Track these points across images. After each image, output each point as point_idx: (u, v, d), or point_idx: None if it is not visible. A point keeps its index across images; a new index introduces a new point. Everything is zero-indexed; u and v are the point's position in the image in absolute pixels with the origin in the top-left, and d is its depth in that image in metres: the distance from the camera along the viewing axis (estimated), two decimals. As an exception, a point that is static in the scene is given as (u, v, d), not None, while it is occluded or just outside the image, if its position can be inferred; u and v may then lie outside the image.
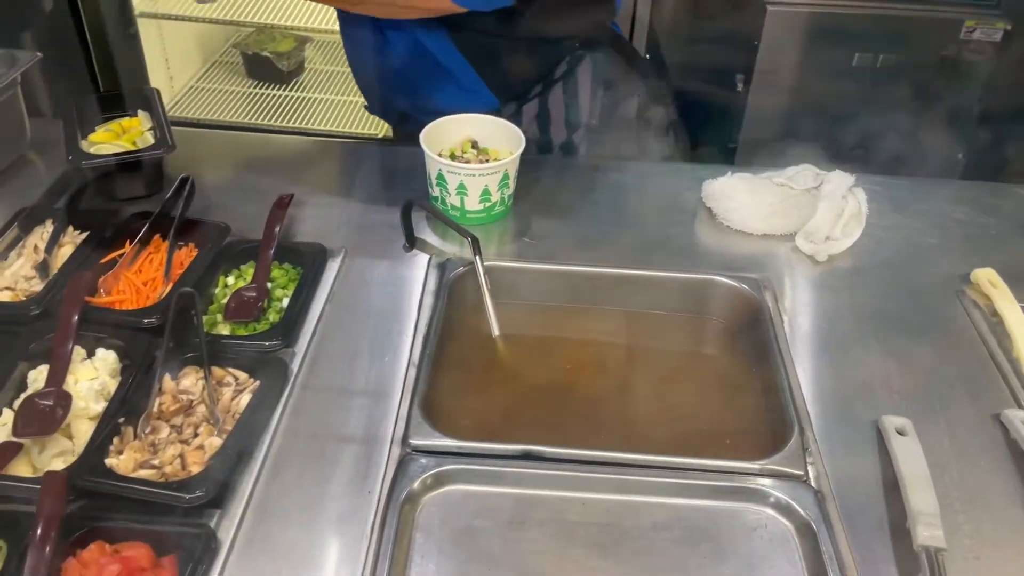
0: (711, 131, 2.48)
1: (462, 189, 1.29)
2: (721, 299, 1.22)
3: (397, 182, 1.45)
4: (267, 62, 3.11)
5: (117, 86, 2.72)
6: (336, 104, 3.07)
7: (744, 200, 1.33)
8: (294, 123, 2.94)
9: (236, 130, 2.85)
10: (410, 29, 1.41)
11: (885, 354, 1.13)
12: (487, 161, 1.34)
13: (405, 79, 1.49)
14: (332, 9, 3.06)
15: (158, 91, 1.39)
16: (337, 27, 3.04)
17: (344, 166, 1.56)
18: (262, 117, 2.97)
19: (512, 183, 1.33)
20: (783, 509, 0.92)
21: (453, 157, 1.34)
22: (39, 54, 1.38)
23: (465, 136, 1.38)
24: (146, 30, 2.82)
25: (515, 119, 1.41)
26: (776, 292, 1.22)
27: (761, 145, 2.32)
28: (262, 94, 3.10)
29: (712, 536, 0.90)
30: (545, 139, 1.53)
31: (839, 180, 1.32)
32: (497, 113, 1.41)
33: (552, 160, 1.54)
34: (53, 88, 1.99)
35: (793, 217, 1.32)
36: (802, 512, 0.90)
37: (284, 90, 3.13)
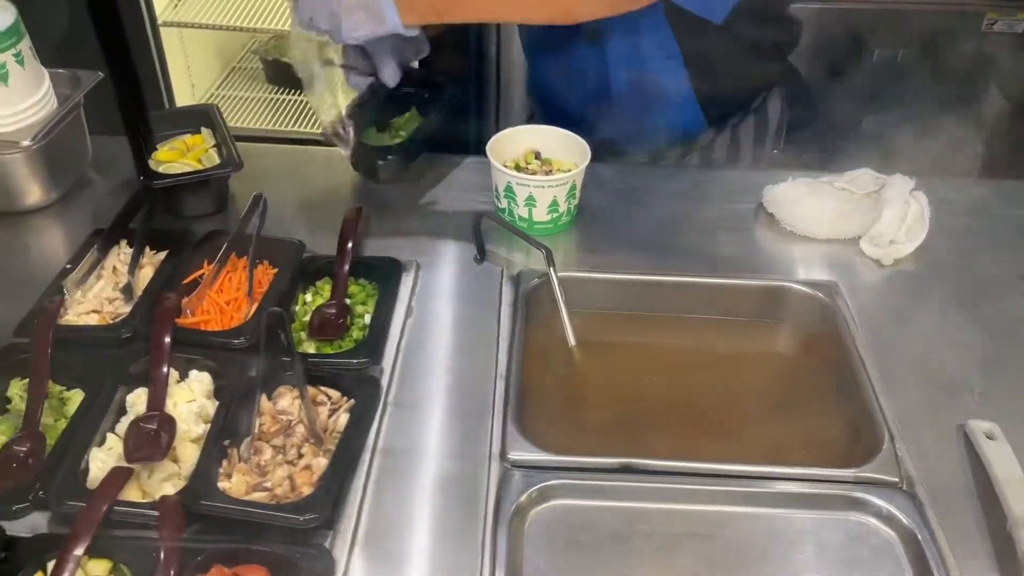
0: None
1: (531, 200, 1.30)
2: (794, 305, 1.23)
3: (457, 193, 1.46)
4: (287, 68, 3.10)
5: (139, 97, 2.72)
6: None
7: (808, 205, 1.34)
8: (317, 129, 2.94)
9: (263, 139, 2.85)
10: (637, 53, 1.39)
11: (963, 357, 1.14)
12: (550, 172, 1.35)
13: (621, 105, 1.48)
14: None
15: (218, 107, 1.39)
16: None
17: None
18: (285, 123, 2.98)
19: (578, 194, 1.34)
20: (884, 517, 0.93)
21: (517, 168, 1.34)
22: (100, 73, 1.39)
23: (527, 147, 1.39)
24: (168, 39, 2.82)
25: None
26: (846, 297, 1.23)
27: (783, 145, 2.33)
28: (283, 100, 3.10)
29: (816, 545, 0.92)
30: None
31: (900, 183, 1.34)
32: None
33: (605, 169, 1.55)
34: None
35: (856, 221, 1.34)
36: (904, 520, 0.92)
37: (304, 95, 3.13)
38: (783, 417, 1.11)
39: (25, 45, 1.24)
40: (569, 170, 1.34)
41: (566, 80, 1.53)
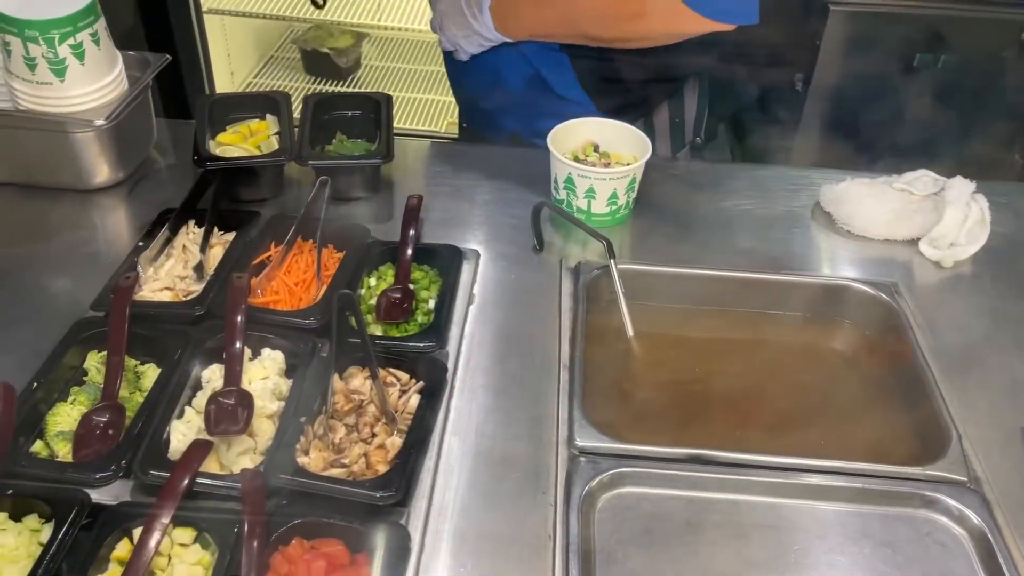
0: (766, 131, 2.49)
1: (591, 192, 1.31)
2: (855, 303, 1.24)
3: (510, 183, 1.47)
4: (326, 58, 3.13)
5: (181, 83, 2.75)
6: (397, 101, 3.08)
7: (866, 205, 1.35)
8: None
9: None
10: (530, 56, 1.44)
11: (1025, 360, 1.14)
12: (609, 165, 1.36)
13: (519, 105, 1.53)
14: (391, 6, 3.09)
15: (288, 95, 1.41)
16: (394, 23, 3.06)
17: (451, 166, 1.58)
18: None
19: (636, 187, 1.35)
20: (953, 515, 0.94)
21: (576, 160, 1.35)
22: (168, 56, 1.40)
23: (586, 139, 1.40)
24: (210, 26, 2.84)
25: None
26: (907, 297, 1.24)
27: (818, 146, 2.33)
28: (322, 91, 3.12)
29: (886, 542, 0.92)
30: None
31: (961, 186, 1.34)
32: None
33: (666, 164, 1.56)
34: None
35: (915, 222, 1.34)
36: (973, 518, 0.92)
37: (341, 86, 3.15)
38: (847, 413, 1.11)
39: (101, 25, 1.26)
40: (628, 163, 1.35)
41: (481, 80, 1.60)
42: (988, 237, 1.32)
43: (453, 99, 2.99)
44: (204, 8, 2.77)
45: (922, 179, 1.37)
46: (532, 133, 1.47)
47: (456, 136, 2.62)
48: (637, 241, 1.36)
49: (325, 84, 3.14)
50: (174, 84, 2.70)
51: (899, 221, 1.34)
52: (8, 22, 1.19)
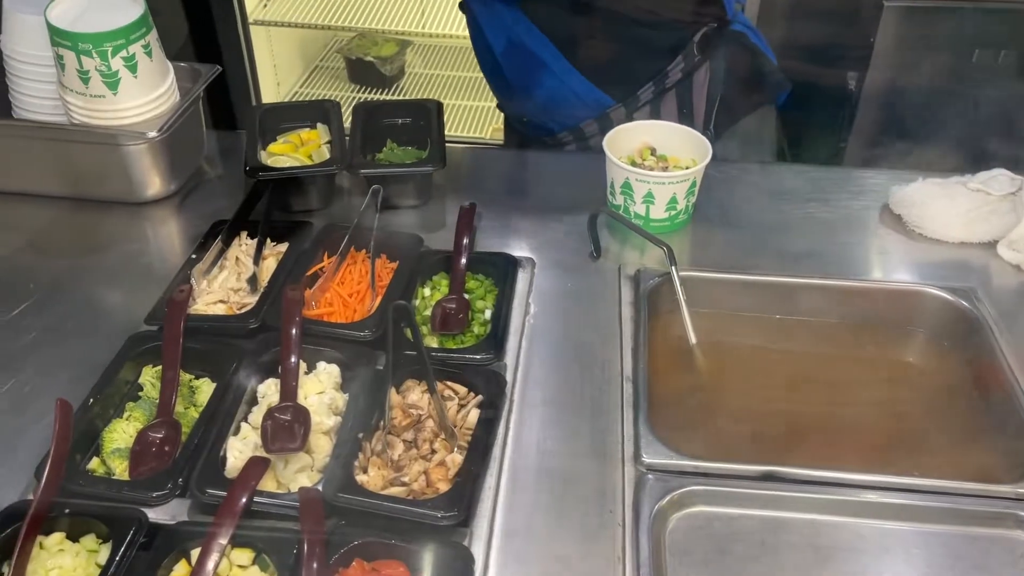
0: (820, 130, 2.42)
1: (649, 197, 1.27)
2: (930, 310, 1.18)
3: (564, 188, 1.43)
4: (371, 67, 3.13)
5: (227, 94, 2.77)
6: (442, 108, 3.07)
7: (940, 207, 1.29)
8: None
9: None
10: (499, 14, 1.40)
11: (1120, 370, 1.07)
12: (666, 168, 1.32)
13: (510, 79, 1.50)
14: (434, 12, 3.08)
15: (338, 104, 1.39)
16: (437, 30, 3.05)
17: (500, 172, 1.55)
18: (370, 122, 2.98)
19: (696, 191, 1.30)
20: (1051, 536, 0.87)
21: (632, 164, 1.31)
22: (218, 67, 1.40)
23: (643, 143, 1.36)
24: (256, 37, 2.86)
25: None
26: (986, 303, 1.17)
27: (872, 146, 2.25)
28: (366, 99, 3.11)
29: (979, 565, 0.87)
30: None
31: (1041, 186, 1.27)
32: (607, 116, 1.39)
33: (717, 167, 1.51)
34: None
35: (993, 224, 1.27)
36: (1074, 540, 0.86)
37: (386, 94, 3.15)
38: (928, 428, 1.06)
39: (153, 37, 1.26)
40: (687, 167, 1.31)
41: (484, 51, 1.56)
42: (1070, 239, 1.25)
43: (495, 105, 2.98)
44: (250, 19, 2.79)
45: (998, 178, 1.31)
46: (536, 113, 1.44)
47: (502, 142, 2.60)
48: (696, 247, 1.31)
49: (370, 92, 3.14)
50: (221, 95, 2.72)
51: (975, 223, 1.28)
52: (62, 36, 1.19)
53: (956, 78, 2.25)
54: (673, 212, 1.29)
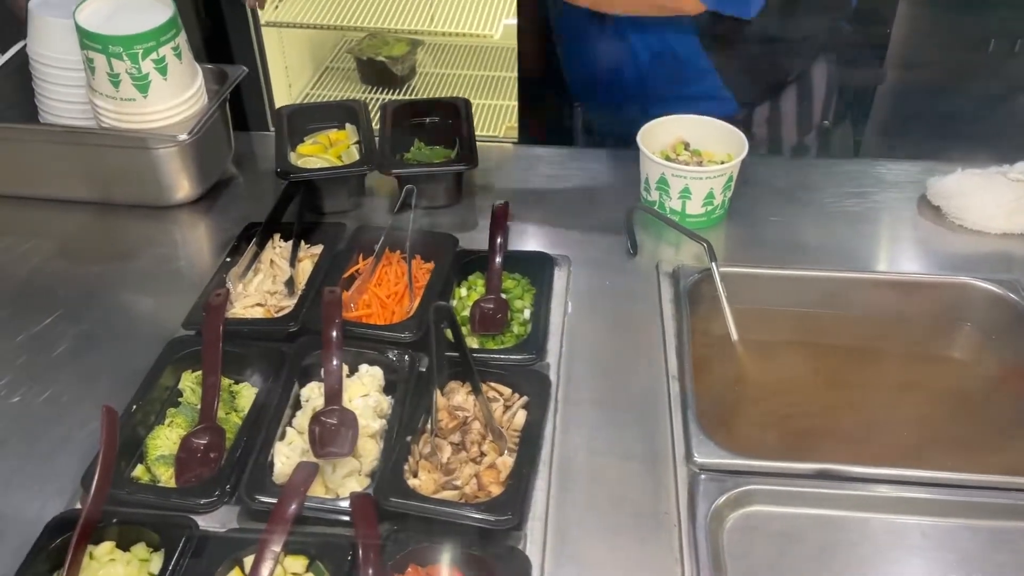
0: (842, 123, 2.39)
1: (686, 193, 1.26)
2: (976, 303, 1.16)
3: (596, 185, 1.42)
4: (382, 67, 3.11)
5: (239, 97, 2.75)
6: (454, 107, 3.05)
7: (981, 198, 1.27)
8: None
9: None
10: (659, 32, 1.37)
11: None
12: (701, 163, 1.30)
13: (644, 85, 1.46)
14: (444, 11, 3.06)
15: (365, 103, 1.38)
16: (449, 29, 3.02)
17: (529, 169, 1.53)
18: (383, 123, 2.97)
19: (733, 186, 1.29)
20: (1118, 531, 0.86)
21: (667, 159, 1.30)
22: (244, 68, 1.38)
23: (676, 137, 1.34)
24: (268, 39, 2.84)
25: (745, 122, 1.37)
26: (1032, 295, 1.15)
27: (893, 136, 2.23)
28: (378, 99, 3.10)
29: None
30: (776, 141, 1.48)
31: (1082, 175, 1.25)
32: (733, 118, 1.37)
33: (754, 161, 1.49)
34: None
35: (1035, 215, 1.25)
36: None
37: (397, 94, 3.13)
38: (978, 421, 1.04)
39: (182, 39, 1.25)
40: (722, 161, 1.29)
41: (602, 72, 1.52)
42: (1115, 227, 1.24)
43: (511, 103, 2.95)
44: (262, 21, 2.77)
45: (1039, 168, 1.29)
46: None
47: (516, 140, 2.58)
48: (734, 242, 1.29)
49: (381, 93, 3.12)
50: (234, 98, 2.70)
51: (1017, 213, 1.26)
52: (92, 39, 1.18)
53: (972, 68, 2.24)
54: (710, 207, 1.27)
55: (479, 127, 2.98)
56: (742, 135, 1.28)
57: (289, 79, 3.09)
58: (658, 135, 1.32)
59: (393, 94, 3.12)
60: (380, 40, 3.15)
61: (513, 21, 2.45)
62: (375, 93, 3.13)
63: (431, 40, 3.25)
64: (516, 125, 2.71)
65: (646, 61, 1.42)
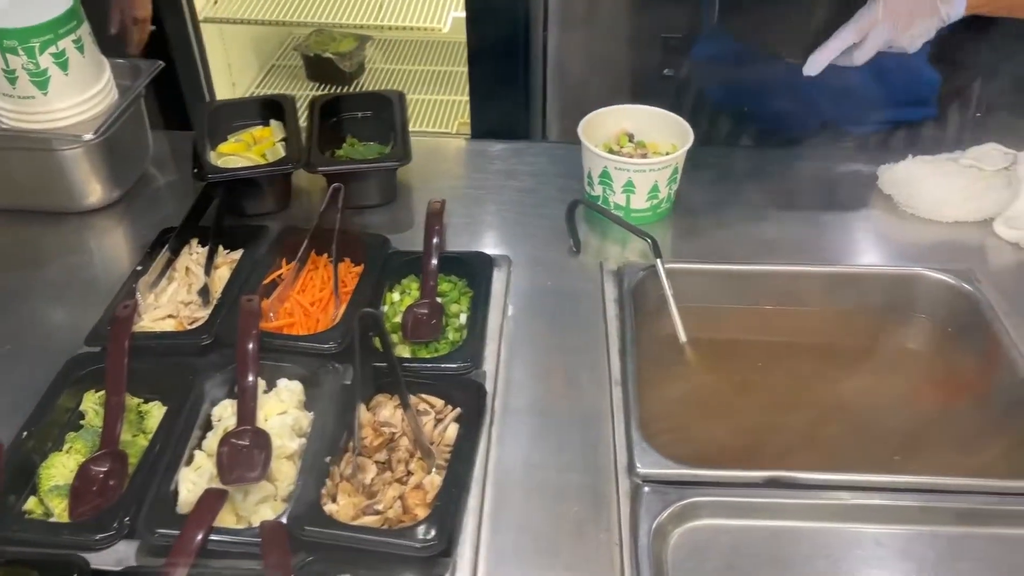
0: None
1: (629, 186, 1.20)
2: (929, 294, 1.11)
3: (539, 181, 1.35)
4: (329, 63, 3.02)
5: (180, 95, 2.65)
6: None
7: (933, 185, 1.23)
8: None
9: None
10: None
11: None
12: (646, 155, 1.24)
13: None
14: (393, 5, 2.97)
15: (293, 99, 1.30)
16: (397, 23, 2.94)
17: (470, 166, 1.46)
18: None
19: (679, 178, 1.23)
20: (1082, 535, 0.81)
21: (610, 152, 1.24)
22: (160, 62, 1.30)
23: (619, 129, 1.28)
24: (208, 36, 2.74)
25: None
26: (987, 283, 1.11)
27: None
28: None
29: (1007, 568, 0.80)
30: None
31: (1036, 159, 1.21)
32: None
33: (696, 152, 1.44)
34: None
35: (988, 201, 1.22)
36: (1105, 537, 0.80)
37: (347, 91, 3.04)
38: (934, 419, 0.99)
39: (85, 31, 1.16)
40: (667, 152, 1.23)
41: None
42: (1070, 213, 1.20)
43: (463, 99, 2.88)
44: (200, 16, 2.67)
45: (991, 153, 1.25)
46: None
47: (469, 136, 2.51)
48: (681, 237, 1.24)
49: (330, 90, 3.03)
50: (174, 97, 2.60)
51: (970, 200, 1.22)
52: (-17, 32, 1.09)
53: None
54: (655, 201, 1.22)
55: (431, 123, 2.92)
56: (686, 124, 1.22)
57: (232, 77, 2.98)
58: (601, 127, 1.26)
59: (343, 91, 3.03)
60: (327, 36, 3.06)
61: (462, 14, 2.37)
62: (323, 90, 3.03)
63: (379, 35, 3.16)
64: (469, 120, 2.64)
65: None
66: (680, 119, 1.24)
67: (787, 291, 1.14)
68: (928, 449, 0.94)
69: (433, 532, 0.77)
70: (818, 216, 1.26)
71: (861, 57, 1.12)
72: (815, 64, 1.12)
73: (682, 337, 1.09)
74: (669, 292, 1.09)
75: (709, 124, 1.49)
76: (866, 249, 1.21)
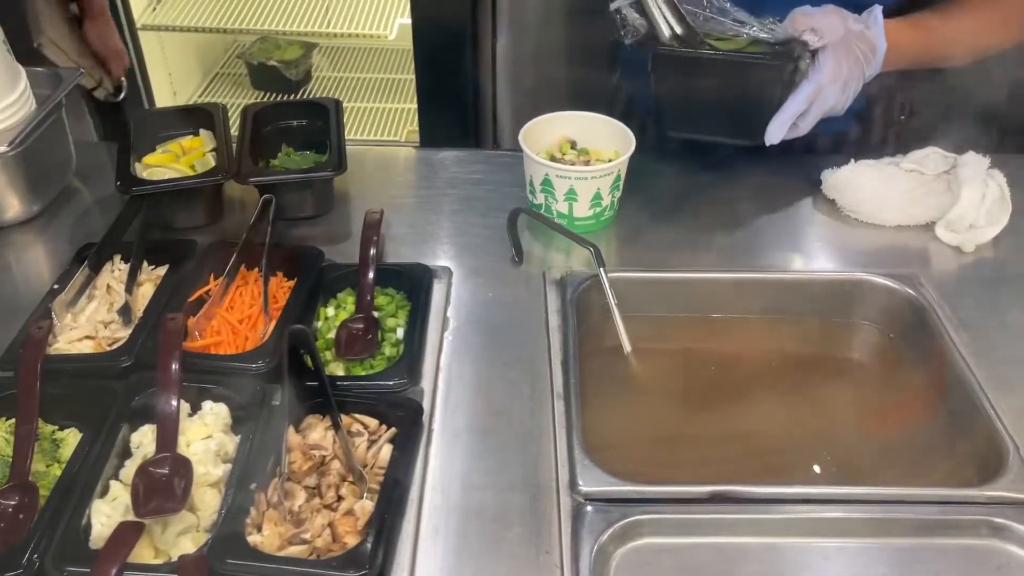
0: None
1: (571, 195, 1.17)
2: (873, 300, 1.11)
3: (478, 189, 1.32)
4: (275, 71, 2.96)
5: (119, 106, 2.57)
6: (352, 111, 2.93)
7: (875, 190, 1.22)
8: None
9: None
10: None
11: (1073, 352, 1.02)
12: (588, 162, 1.22)
13: None
14: (338, 10, 2.92)
15: (224, 107, 1.25)
16: (346, 30, 2.89)
17: (414, 175, 1.43)
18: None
19: (621, 185, 1.21)
20: (1025, 543, 0.80)
21: (552, 159, 1.21)
22: (82, 70, 1.24)
23: (561, 136, 1.26)
24: (146, 44, 2.67)
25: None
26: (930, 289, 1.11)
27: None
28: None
29: (955, 579, 0.79)
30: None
31: (975, 162, 1.21)
32: None
33: (639, 159, 1.42)
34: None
35: (930, 205, 1.21)
36: (1049, 544, 0.79)
37: (294, 100, 2.98)
38: (882, 428, 0.98)
39: (-3, 38, 1.10)
40: (609, 159, 1.21)
41: None
42: (1012, 216, 1.20)
43: (412, 107, 2.84)
44: (138, 24, 2.59)
45: (931, 157, 1.25)
46: None
47: (418, 144, 2.47)
48: (625, 245, 1.22)
49: (276, 98, 2.97)
50: (112, 108, 2.52)
51: (911, 205, 1.21)
52: None
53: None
54: (598, 209, 1.19)
55: (380, 131, 2.87)
56: (628, 131, 1.20)
57: (174, 86, 2.91)
58: (543, 134, 1.24)
59: (290, 99, 2.97)
60: (272, 43, 3.00)
61: (408, 20, 2.33)
62: (269, 99, 2.97)
63: (326, 42, 3.11)
64: (417, 129, 2.61)
65: None
66: (623, 126, 1.22)
67: (732, 298, 1.13)
68: (874, 459, 0.93)
69: (363, 562, 0.73)
70: (762, 222, 1.25)
71: (806, 126, 1.16)
72: (774, 134, 1.15)
73: (627, 347, 1.06)
74: (613, 301, 1.07)
75: (657, 132, 1.48)
76: (810, 255, 1.20)
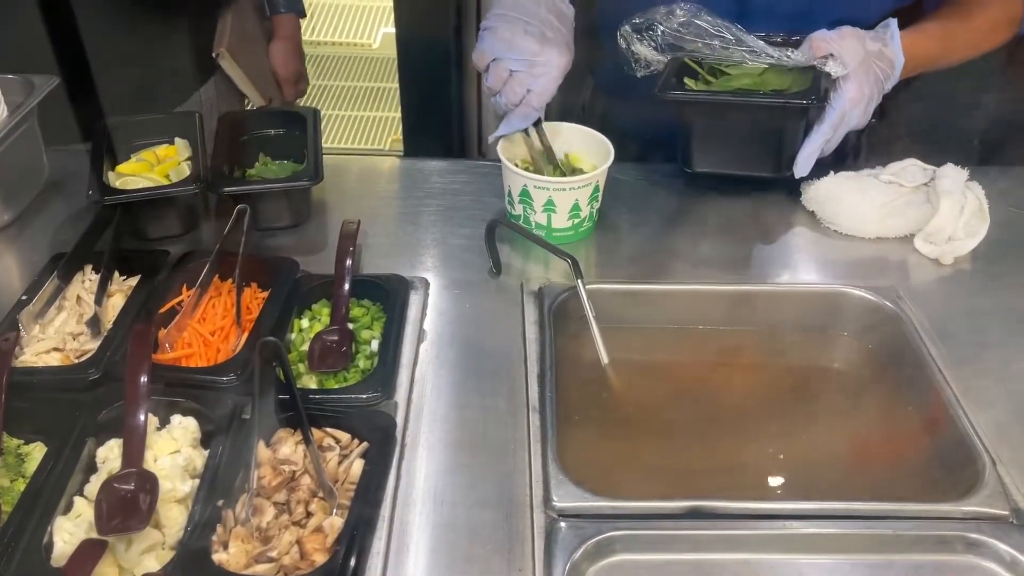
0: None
1: (550, 206, 1.16)
2: (852, 312, 1.10)
3: (457, 200, 1.31)
4: (258, 78, 2.94)
5: (100, 113, 2.55)
6: (336, 119, 2.92)
7: (854, 202, 1.22)
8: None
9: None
10: None
11: (1051, 365, 1.02)
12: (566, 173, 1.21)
13: None
14: (321, 18, 2.92)
15: (200, 115, 1.24)
16: (330, 39, 2.88)
17: (393, 185, 1.42)
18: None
19: (600, 197, 1.20)
20: (1004, 561, 0.79)
21: (528, 170, 1.20)
22: (55, 78, 1.22)
23: (540, 147, 1.25)
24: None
25: None
26: (908, 301, 1.10)
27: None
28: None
29: (930, 596, 0.78)
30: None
31: (954, 174, 1.22)
32: None
33: (620, 170, 1.41)
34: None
35: (908, 217, 1.21)
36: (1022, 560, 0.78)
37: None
38: (859, 442, 0.98)
39: (-35, 44, 1.08)
40: (588, 171, 1.20)
41: None
42: (989, 228, 1.20)
43: (396, 115, 2.84)
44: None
45: (910, 169, 1.25)
46: None
47: (402, 153, 2.46)
48: (603, 257, 1.21)
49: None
50: (97, 115, 2.50)
51: (890, 217, 1.21)
52: None
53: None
54: (576, 220, 1.18)
55: (364, 140, 2.87)
56: (607, 142, 1.19)
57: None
58: (520, 144, 1.23)
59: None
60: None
61: (392, 30, 2.33)
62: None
63: (310, 51, 3.10)
64: (402, 138, 2.60)
65: None
66: (602, 136, 1.21)
67: (710, 310, 1.12)
68: (850, 473, 0.92)
69: (331, 581, 0.72)
70: (742, 233, 1.24)
71: (829, 148, 1.18)
72: (803, 167, 1.17)
73: (604, 359, 1.05)
74: (591, 313, 1.06)
75: (639, 143, 1.48)
76: (789, 266, 1.19)
